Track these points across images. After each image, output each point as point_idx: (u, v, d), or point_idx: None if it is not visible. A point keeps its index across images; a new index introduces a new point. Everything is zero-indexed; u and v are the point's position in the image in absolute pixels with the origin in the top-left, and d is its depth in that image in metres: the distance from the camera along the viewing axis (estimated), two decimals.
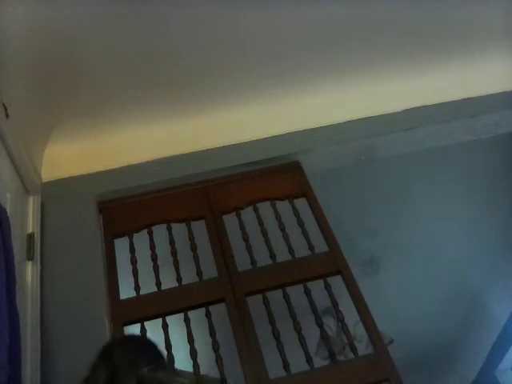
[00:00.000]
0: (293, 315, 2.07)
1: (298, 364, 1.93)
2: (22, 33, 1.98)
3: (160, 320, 2.05)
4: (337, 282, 2.17)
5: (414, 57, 2.70)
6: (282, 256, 2.25)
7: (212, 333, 2.02)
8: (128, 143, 2.54)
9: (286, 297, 2.12)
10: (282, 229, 2.34)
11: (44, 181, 2.37)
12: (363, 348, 2.73)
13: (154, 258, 2.25)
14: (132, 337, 1.76)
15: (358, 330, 2.74)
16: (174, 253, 2.28)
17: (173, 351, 1.96)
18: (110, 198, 2.41)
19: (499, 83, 2.75)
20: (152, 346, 1.51)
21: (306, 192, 2.46)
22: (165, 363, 1.49)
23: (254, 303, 2.12)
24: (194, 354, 1.97)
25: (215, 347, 1.98)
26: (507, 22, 2.67)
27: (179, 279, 2.19)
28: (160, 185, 2.45)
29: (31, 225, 2.13)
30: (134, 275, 2.21)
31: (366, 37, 2.52)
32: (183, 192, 2.46)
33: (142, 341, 1.64)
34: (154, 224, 2.37)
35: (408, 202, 3.48)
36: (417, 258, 3.96)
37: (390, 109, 2.66)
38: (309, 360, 1.96)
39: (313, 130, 2.60)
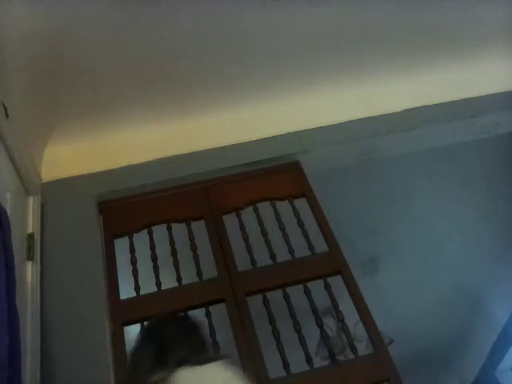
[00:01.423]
0: (293, 315, 2.07)
1: (298, 364, 1.93)
2: (22, 33, 1.98)
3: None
4: (337, 282, 2.17)
5: (413, 57, 2.70)
6: (282, 256, 2.25)
7: (212, 333, 2.02)
8: (128, 143, 2.54)
9: (286, 297, 2.12)
10: (282, 229, 2.34)
11: (44, 181, 2.37)
12: (363, 348, 2.73)
13: (154, 258, 2.25)
14: (180, 316, 1.79)
15: (358, 329, 2.73)
16: (173, 253, 2.28)
17: None
18: (110, 198, 2.41)
19: (499, 83, 2.75)
20: (197, 327, 1.55)
21: (306, 192, 2.46)
22: (207, 346, 1.53)
23: (254, 303, 2.12)
24: None
25: (215, 347, 1.97)
26: (507, 22, 2.67)
27: (179, 279, 2.19)
28: (160, 185, 2.45)
29: (31, 225, 2.13)
30: (133, 275, 2.21)
31: (366, 37, 2.52)
32: (183, 192, 2.46)
33: (189, 322, 1.68)
34: (154, 224, 2.37)
35: (408, 202, 3.48)
36: (417, 257, 3.96)
37: (390, 109, 2.66)
38: (309, 360, 1.96)
39: (313, 130, 2.60)
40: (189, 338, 1.48)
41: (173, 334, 1.47)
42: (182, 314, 2.00)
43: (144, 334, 1.52)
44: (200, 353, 1.40)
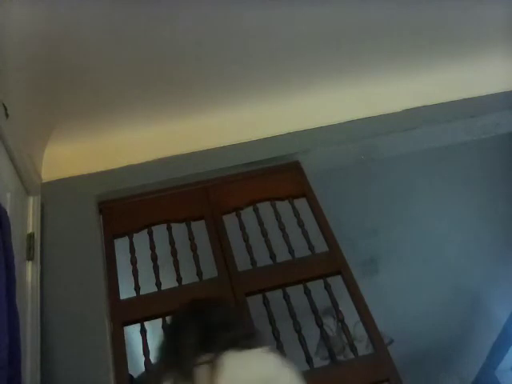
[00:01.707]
0: (293, 315, 2.07)
1: (298, 364, 1.92)
2: (22, 33, 1.98)
3: (160, 320, 2.05)
4: (337, 282, 2.17)
5: (413, 57, 2.70)
6: (282, 256, 2.25)
7: None
8: (128, 143, 2.54)
9: (286, 297, 2.12)
10: (282, 229, 2.34)
11: (44, 181, 2.37)
12: (363, 348, 2.73)
13: (154, 258, 2.25)
14: (220, 300, 1.76)
15: (358, 330, 2.73)
16: (174, 253, 2.28)
17: None
18: (110, 198, 2.41)
19: (499, 83, 2.75)
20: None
21: (306, 192, 2.46)
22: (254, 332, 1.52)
23: (254, 303, 2.12)
24: None
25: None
26: (507, 22, 2.67)
27: (179, 279, 2.19)
28: (160, 185, 2.45)
29: (31, 225, 2.13)
30: (133, 275, 2.21)
31: (366, 37, 2.52)
32: (183, 192, 2.46)
33: (231, 307, 1.68)
34: (154, 224, 2.37)
35: (408, 202, 3.48)
36: (417, 257, 3.96)
37: (390, 109, 2.66)
38: (309, 360, 1.96)
39: (313, 130, 2.60)
40: (237, 322, 1.48)
41: (220, 316, 1.45)
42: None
43: (186, 315, 1.48)
44: (248, 338, 1.38)
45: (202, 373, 1.24)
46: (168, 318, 1.53)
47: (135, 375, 2.15)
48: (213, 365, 1.24)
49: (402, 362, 2.26)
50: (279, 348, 1.97)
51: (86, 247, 2.20)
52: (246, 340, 1.35)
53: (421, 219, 3.66)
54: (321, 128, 2.60)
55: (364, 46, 2.56)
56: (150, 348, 1.98)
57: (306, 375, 1.92)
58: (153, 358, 1.97)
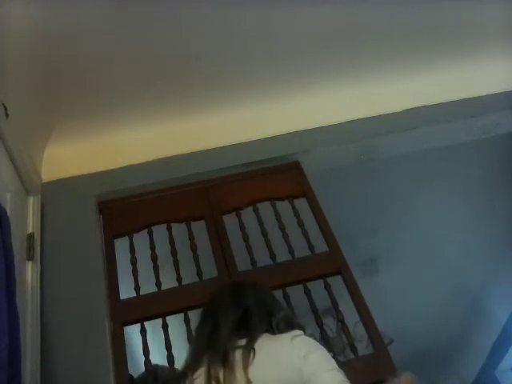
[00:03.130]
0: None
1: None
2: (22, 33, 1.98)
3: (160, 320, 2.05)
4: (337, 282, 2.17)
5: (413, 57, 2.70)
6: (282, 256, 2.25)
7: None
8: (128, 143, 2.54)
9: (286, 297, 2.12)
10: (282, 229, 2.34)
11: (44, 181, 2.36)
12: (363, 348, 2.73)
13: (154, 258, 2.25)
14: (258, 284, 1.75)
15: (358, 329, 2.73)
16: (174, 253, 2.28)
17: (173, 351, 1.96)
18: (110, 198, 2.41)
19: (499, 83, 2.75)
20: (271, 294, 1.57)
21: (306, 192, 2.46)
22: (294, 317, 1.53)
23: None
24: None
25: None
26: (507, 22, 2.67)
27: (179, 279, 2.19)
28: (160, 185, 2.45)
29: (31, 225, 2.13)
30: (133, 275, 2.21)
31: (366, 37, 2.52)
32: (183, 192, 2.46)
33: (269, 292, 1.66)
34: (154, 224, 2.37)
35: (408, 202, 3.48)
36: (417, 257, 3.96)
37: (390, 109, 2.66)
38: None
39: (313, 130, 2.60)
40: (275, 307, 1.47)
41: (259, 300, 1.45)
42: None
43: (225, 297, 1.48)
44: (286, 322, 1.38)
45: (236, 358, 1.24)
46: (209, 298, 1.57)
47: (135, 375, 2.15)
48: (247, 351, 1.24)
49: (401, 362, 2.25)
50: None
51: (86, 247, 2.20)
52: (283, 324, 1.35)
53: (421, 219, 3.66)
54: (321, 128, 2.60)
55: (364, 45, 2.56)
56: (149, 348, 1.98)
57: None
58: (153, 357, 1.98)
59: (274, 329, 1.32)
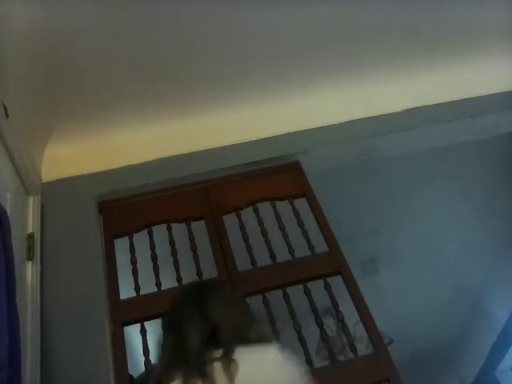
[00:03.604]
0: (293, 315, 2.07)
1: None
2: (22, 33, 1.98)
3: (160, 320, 2.05)
4: (337, 282, 2.17)
5: (413, 57, 2.70)
6: (282, 256, 2.25)
7: None
8: (128, 143, 2.54)
9: (286, 297, 2.12)
10: (282, 229, 2.34)
11: (44, 181, 2.37)
12: (363, 348, 2.73)
13: (154, 258, 2.25)
14: (218, 283, 1.64)
15: (358, 330, 2.73)
16: (174, 253, 2.28)
17: None
18: (110, 198, 2.41)
19: (499, 83, 2.75)
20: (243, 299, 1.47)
21: (306, 192, 2.46)
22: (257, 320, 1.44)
23: (254, 303, 2.11)
24: None
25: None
26: (507, 22, 2.67)
27: (179, 279, 2.19)
28: (160, 185, 2.45)
29: (31, 225, 2.13)
30: (133, 275, 2.21)
31: (366, 37, 2.52)
32: (183, 192, 2.46)
33: (230, 288, 1.57)
34: (154, 224, 2.37)
35: (408, 202, 3.48)
36: (417, 257, 3.96)
37: (390, 109, 2.66)
38: (309, 360, 1.96)
39: (313, 130, 2.60)
40: (241, 310, 1.39)
41: (224, 305, 1.36)
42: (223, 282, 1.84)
43: (187, 304, 1.37)
44: (255, 330, 1.31)
45: (216, 371, 1.16)
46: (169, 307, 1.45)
47: (135, 375, 2.15)
48: (227, 362, 1.16)
49: (401, 362, 2.25)
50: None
51: (86, 247, 2.20)
52: (253, 332, 1.28)
53: (421, 219, 3.66)
54: (321, 128, 2.60)
55: (364, 45, 2.56)
56: (150, 348, 1.98)
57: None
58: (153, 357, 1.97)
59: (245, 339, 1.24)
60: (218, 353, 1.20)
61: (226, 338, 1.24)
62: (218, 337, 1.25)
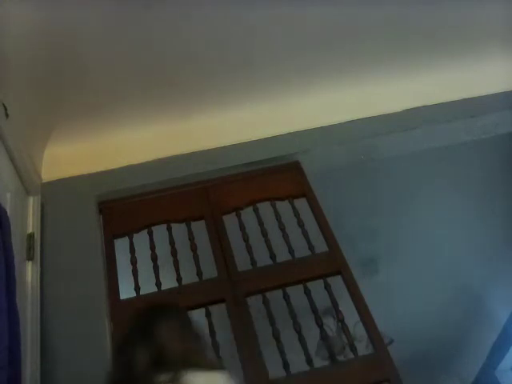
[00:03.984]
0: (293, 315, 2.07)
1: (298, 364, 1.93)
2: (22, 33, 1.98)
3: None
4: (337, 282, 2.17)
5: (413, 57, 2.70)
6: (282, 256, 2.25)
7: (212, 333, 2.02)
8: (128, 143, 2.54)
9: (286, 297, 2.12)
10: (282, 229, 2.34)
11: (44, 181, 2.37)
12: (363, 348, 2.73)
13: (154, 258, 2.25)
14: (163, 306, 1.62)
15: (358, 330, 2.73)
16: (174, 253, 2.28)
17: None
18: (110, 198, 2.41)
19: (499, 83, 2.75)
20: (185, 314, 1.47)
21: (306, 192, 2.46)
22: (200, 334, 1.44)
23: (254, 303, 2.12)
24: None
25: (215, 347, 1.97)
26: (507, 22, 2.67)
27: (179, 279, 2.19)
28: (160, 185, 2.45)
29: (31, 225, 2.13)
30: (133, 275, 2.21)
31: (365, 37, 2.52)
32: (183, 192, 2.46)
33: (176, 311, 1.55)
34: (154, 224, 2.37)
35: (408, 202, 3.47)
36: (417, 257, 3.96)
37: (390, 109, 2.66)
38: (309, 360, 1.96)
39: (313, 130, 2.60)
40: (187, 333, 1.38)
41: (170, 328, 1.35)
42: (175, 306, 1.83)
43: (134, 329, 1.38)
44: (202, 353, 1.32)
45: None
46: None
47: None
48: None
49: (401, 362, 2.25)
50: (279, 348, 1.97)
51: (86, 247, 2.20)
52: (202, 358, 1.29)
53: (421, 219, 3.65)
54: (321, 128, 2.60)
55: (364, 45, 2.56)
56: None
57: (306, 375, 1.94)
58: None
59: (196, 365, 1.24)
60: (166, 376, 1.19)
61: (174, 362, 1.24)
62: (165, 360, 1.24)
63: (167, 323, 1.39)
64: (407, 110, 2.66)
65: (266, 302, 2.11)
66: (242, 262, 2.22)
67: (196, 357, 1.29)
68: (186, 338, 1.35)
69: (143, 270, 2.21)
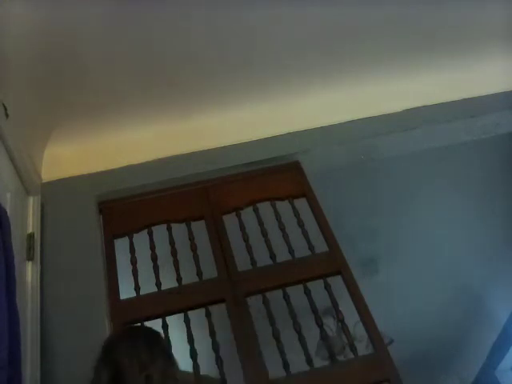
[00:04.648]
0: (293, 315, 2.07)
1: (298, 364, 1.93)
2: (22, 33, 1.98)
3: (160, 320, 2.05)
4: (337, 282, 2.17)
5: (413, 57, 2.70)
6: (282, 256, 2.25)
7: (212, 333, 2.02)
8: (128, 143, 2.54)
9: (286, 297, 2.12)
10: (282, 229, 2.34)
11: (44, 181, 2.37)
12: (363, 348, 2.73)
13: (154, 258, 2.25)
14: (132, 329, 1.70)
15: (358, 330, 2.73)
16: (174, 253, 2.28)
17: (173, 351, 1.96)
18: (110, 198, 2.41)
19: (499, 83, 2.75)
20: (154, 335, 1.49)
21: (306, 192, 2.46)
22: (168, 353, 1.47)
23: (254, 303, 2.12)
24: (194, 354, 1.97)
25: (215, 347, 1.97)
26: (507, 22, 2.67)
27: (179, 279, 2.19)
28: (160, 185, 2.45)
29: (31, 225, 2.13)
30: (133, 275, 2.21)
31: (365, 37, 2.52)
32: (183, 192, 2.46)
33: (143, 332, 1.58)
34: (154, 224, 2.37)
35: (408, 202, 3.47)
36: (417, 257, 3.96)
37: (390, 109, 2.66)
38: (309, 360, 1.96)
39: (313, 130, 2.60)
40: (148, 351, 1.40)
41: (127, 351, 1.39)
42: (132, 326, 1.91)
43: (96, 363, 1.41)
44: (164, 365, 1.35)
45: None
46: None
47: None
48: None
49: (401, 362, 2.25)
50: (279, 348, 1.97)
51: (86, 247, 2.20)
52: (164, 377, 1.31)
53: (421, 219, 3.65)
54: (321, 128, 2.60)
55: (364, 45, 2.56)
56: None
57: (306, 375, 1.94)
58: None
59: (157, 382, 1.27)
60: None
61: (131, 379, 1.28)
62: (122, 377, 1.29)
63: (126, 346, 1.43)
64: (407, 110, 2.66)
65: (265, 302, 2.11)
66: (241, 262, 2.22)
67: (160, 379, 1.31)
68: (150, 361, 1.36)
69: (143, 269, 2.21)
